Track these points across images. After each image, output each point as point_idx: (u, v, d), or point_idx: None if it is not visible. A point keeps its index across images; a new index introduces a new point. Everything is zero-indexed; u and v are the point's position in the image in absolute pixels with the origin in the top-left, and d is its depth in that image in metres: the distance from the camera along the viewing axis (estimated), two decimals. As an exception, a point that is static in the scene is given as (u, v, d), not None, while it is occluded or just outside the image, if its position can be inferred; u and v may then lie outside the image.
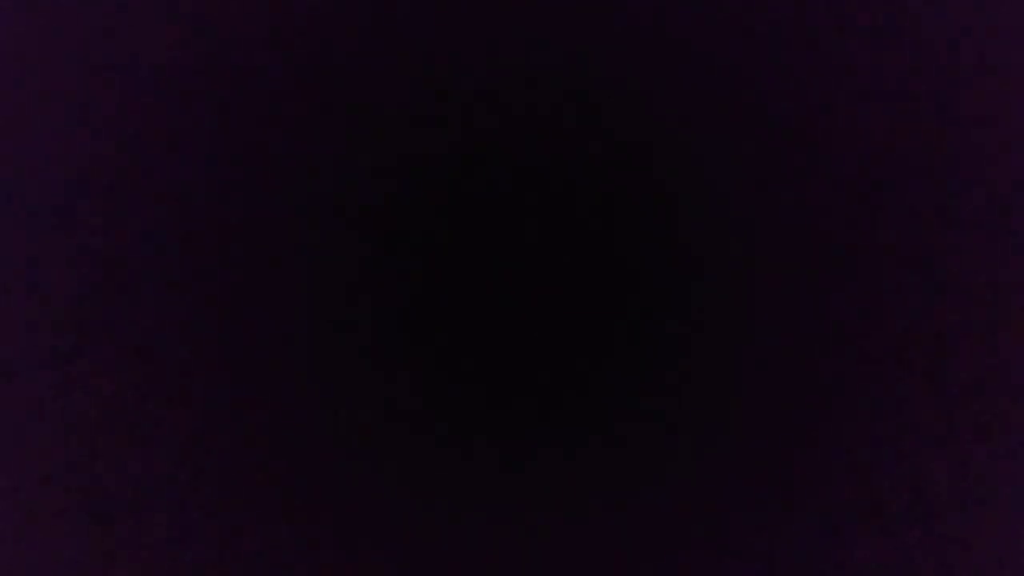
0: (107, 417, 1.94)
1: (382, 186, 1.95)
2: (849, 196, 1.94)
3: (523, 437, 1.93)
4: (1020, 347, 1.93)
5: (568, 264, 1.94)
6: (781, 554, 1.92)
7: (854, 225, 1.94)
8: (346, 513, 1.93)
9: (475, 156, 1.94)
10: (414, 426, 1.94)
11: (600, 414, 1.93)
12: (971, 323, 1.94)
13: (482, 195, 1.93)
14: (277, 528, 1.93)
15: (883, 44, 1.96)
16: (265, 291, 1.95)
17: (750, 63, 1.95)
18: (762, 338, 1.93)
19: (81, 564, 1.94)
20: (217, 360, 1.94)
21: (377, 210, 1.94)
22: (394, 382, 1.94)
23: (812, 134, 1.95)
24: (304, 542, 1.93)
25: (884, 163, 1.95)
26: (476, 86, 1.95)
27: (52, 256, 1.95)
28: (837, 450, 1.93)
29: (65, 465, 1.94)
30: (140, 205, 1.96)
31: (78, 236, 1.96)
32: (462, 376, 1.94)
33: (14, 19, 1.96)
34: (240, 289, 1.94)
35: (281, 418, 1.94)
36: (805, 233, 1.94)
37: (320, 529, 1.93)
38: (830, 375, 1.93)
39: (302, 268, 1.95)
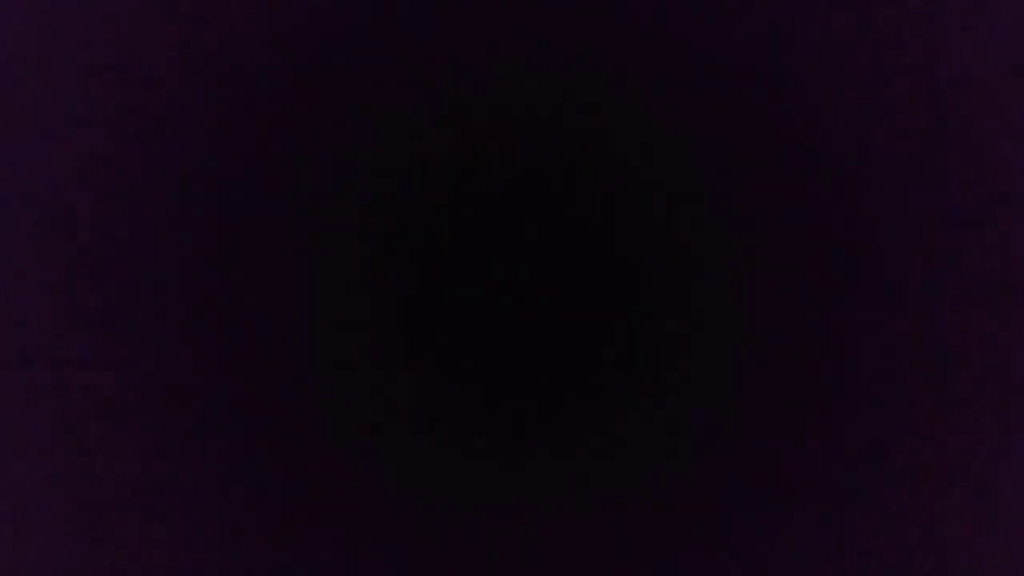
0: (107, 417, 1.94)
1: (382, 186, 1.95)
2: (849, 196, 1.94)
3: (523, 437, 1.93)
4: (1020, 347, 1.93)
5: (568, 264, 1.94)
6: (781, 554, 1.92)
7: (854, 225, 1.94)
8: (345, 513, 1.93)
9: (475, 156, 1.94)
10: (413, 426, 1.94)
11: (600, 414, 1.93)
12: (971, 323, 1.94)
13: (482, 195, 1.93)
14: (277, 528, 1.93)
15: (883, 44, 1.96)
16: (265, 291, 1.95)
17: (750, 63, 1.95)
18: (762, 338, 1.93)
19: (81, 564, 1.94)
20: (217, 360, 1.94)
21: (377, 210, 1.95)
22: (393, 382, 1.94)
23: (812, 134, 1.95)
24: (304, 542, 1.93)
25: (884, 163, 1.95)
26: (476, 86, 1.95)
27: (52, 256, 1.96)
28: (837, 450, 1.93)
29: (65, 465, 1.94)
30: (140, 205, 1.96)
31: (78, 236, 1.96)
32: (462, 376, 1.94)
33: (14, 19, 1.96)
34: (240, 289, 1.94)
35: (281, 418, 1.94)
36: (805, 233, 1.94)
37: (320, 529, 1.93)
38: (830, 375, 1.93)
39: (302, 268, 1.95)
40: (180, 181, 1.95)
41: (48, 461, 1.94)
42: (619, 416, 1.93)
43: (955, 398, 1.93)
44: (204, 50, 1.96)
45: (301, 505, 1.93)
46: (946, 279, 1.94)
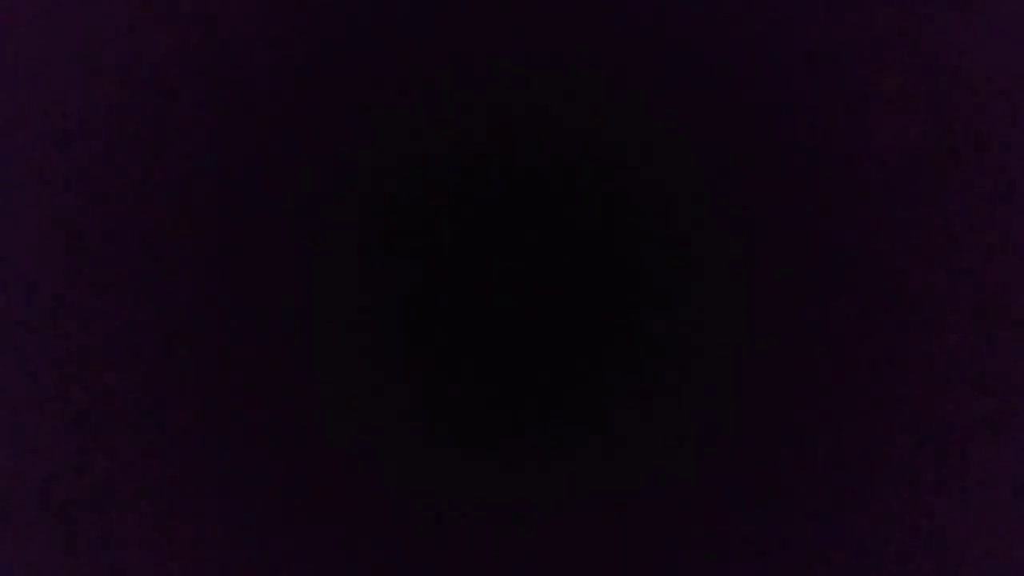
0: (107, 417, 1.94)
1: (382, 186, 1.95)
2: (849, 196, 1.95)
3: (522, 437, 1.93)
4: (1020, 347, 1.93)
5: (568, 264, 1.94)
6: (781, 554, 1.92)
7: (854, 225, 1.94)
8: (345, 513, 1.93)
9: (475, 156, 1.94)
10: (413, 425, 1.94)
11: (600, 414, 1.93)
12: (971, 323, 1.94)
13: (482, 195, 1.93)
14: (277, 528, 1.93)
15: (883, 44, 1.96)
16: (265, 291, 1.95)
17: (750, 63, 1.95)
18: (762, 338, 1.93)
19: (81, 564, 1.94)
20: (217, 360, 1.94)
21: (377, 210, 1.95)
22: (393, 381, 1.94)
23: (812, 134, 1.95)
24: (303, 542, 1.93)
25: (884, 163, 1.95)
26: (476, 86, 1.95)
27: (52, 256, 1.96)
28: (837, 450, 1.93)
29: (65, 465, 1.94)
30: (139, 205, 1.96)
31: (78, 236, 1.96)
32: (462, 376, 1.94)
33: (14, 19, 1.96)
34: (240, 289, 1.94)
35: (281, 418, 1.94)
36: (805, 233, 1.94)
37: (320, 529, 1.93)
38: (830, 375, 1.93)
39: (302, 268, 1.95)
40: (179, 181, 1.95)
41: (48, 461, 1.94)
42: (619, 416, 1.93)
43: (955, 398, 1.93)
44: (204, 50, 1.96)
45: (301, 505, 1.93)
46: (946, 279, 1.94)
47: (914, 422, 1.93)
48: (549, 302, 1.94)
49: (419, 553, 1.93)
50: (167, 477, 1.94)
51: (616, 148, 1.94)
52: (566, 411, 1.93)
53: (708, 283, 1.94)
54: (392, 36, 1.95)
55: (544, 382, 1.94)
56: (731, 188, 1.94)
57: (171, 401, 1.94)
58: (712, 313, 1.93)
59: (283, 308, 1.94)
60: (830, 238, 1.94)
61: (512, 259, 1.94)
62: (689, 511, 1.92)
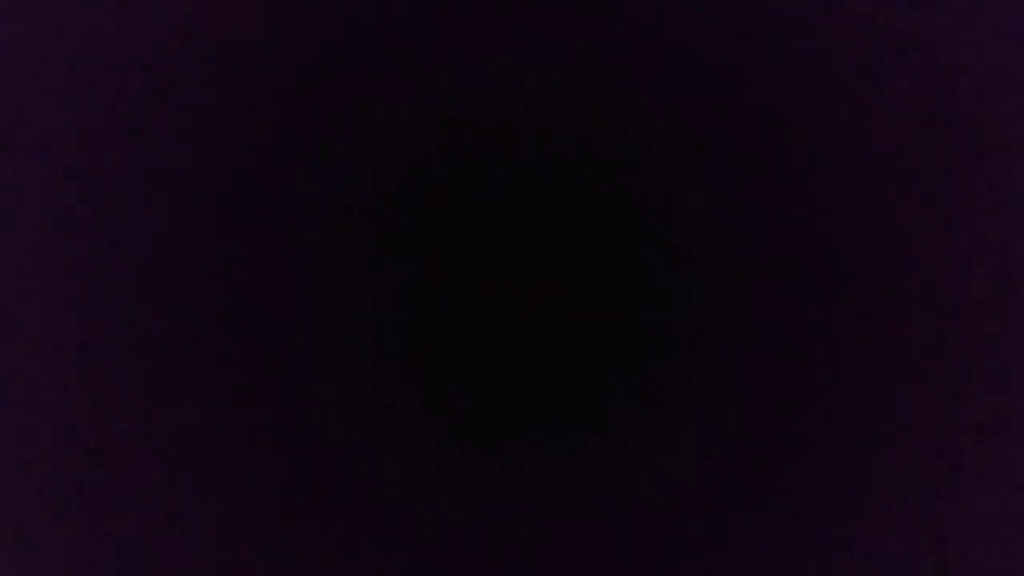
0: (107, 417, 1.94)
1: (382, 186, 1.95)
2: (850, 196, 1.94)
3: (522, 437, 1.93)
4: (1020, 347, 1.93)
5: (568, 264, 1.94)
6: (781, 554, 1.92)
7: (854, 225, 1.94)
8: (345, 513, 1.93)
9: (475, 156, 1.94)
10: (413, 426, 1.94)
11: (600, 414, 1.93)
12: (971, 323, 1.94)
13: (481, 195, 1.93)
14: (277, 528, 1.93)
15: (883, 44, 1.96)
16: (265, 291, 1.95)
17: (750, 63, 1.95)
18: (762, 338, 1.93)
19: (81, 564, 1.94)
20: (217, 360, 1.94)
21: (377, 210, 1.94)
22: (393, 382, 1.94)
23: (812, 134, 1.95)
24: (304, 542, 1.93)
25: (884, 163, 1.95)
26: (476, 86, 1.95)
27: (52, 256, 1.95)
28: (837, 450, 1.93)
29: (65, 465, 1.94)
30: (139, 205, 1.96)
31: (78, 236, 1.96)
32: (461, 376, 1.94)
33: (14, 19, 1.96)
34: (240, 289, 1.94)
35: (281, 419, 1.94)
36: (805, 233, 1.94)
37: (320, 529, 1.93)
38: (830, 375, 1.93)
39: (302, 268, 1.95)
40: (179, 180, 1.95)
41: (48, 461, 1.94)
42: (619, 416, 1.93)
43: (955, 398, 1.93)
44: (204, 50, 1.96)
45: (301, 505, 1.93)
46: (947, 279, 1.94)
47: (914, 422, 1.93)
48: (549, 302, 1.94)
49: (419, 553, 1.93)
50: (167, 477, 1.94)
51: (616, 148, 1.94)
52: (566, 411, 1.93)
53: (708, 283, 1.94)
54: (392, 36, 1.95)
55: (544, 382, 1.93)
56: (731, 188, 1.94)
57: (171, 401, 1.94)
58: (712, 313, 1.93)
59: (283, 308, 1.94)
60: (830, 238, 1.94)
61: (512, 259, 1.94)
62: (689, 511, 1.92)
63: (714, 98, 1.95)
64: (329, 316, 1.94)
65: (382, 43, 1.96)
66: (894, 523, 1.92)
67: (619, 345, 1.93)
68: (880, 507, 1.92)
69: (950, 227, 1.94)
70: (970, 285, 1.94)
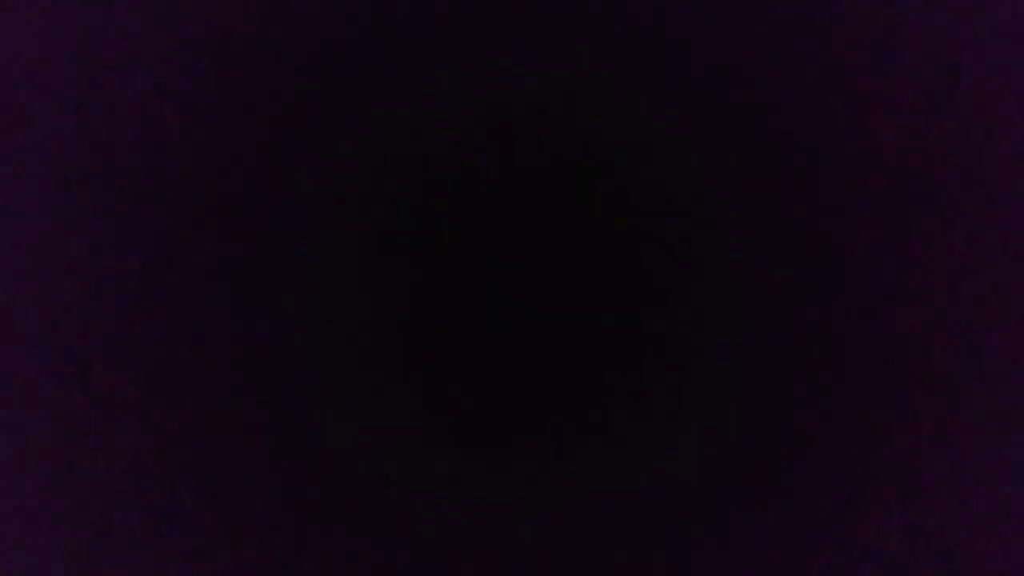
0: (107, 417, 1.94)
1: (382, 186, 1.95)
2: (850, 196, 1.94)
3: (522, 437, 1.93)
4: (1020, 347, 1.93)
5: (568, 264, 1.94)
6: (781, 554, 1.92)
7: (855, 225, 1.94)
8: (345, 513, 1.93)
9: (475, 156, 1.94)
10: (413, 426, 1.94)
11: (600, 414, 1.93)
12: (971, 323, 1.94)
13: (481, 195, 1.93)
14: (277, 528, 1.93)
15: (883, 44, 1.96)
16: (265, 291, 1.95)
17: (750, 63, 1.95)
18: (762, 338, 1.93)
19: (80, 564, 1.94)
20: (217, 360, 1.94)
21: (376, 210, 1.94)
22: (393, 382, 1.94)
23: (812, 134, 1.95)
24: (303, 543, 1.93)
25: (884, 163, 1.95)
26: (476, 86, 1.95)
27: (52, 256, 1.95)
28: (837, 450, 1.93)
29: (65, 465, 1.94)
30: (139, 205, 1.96)
31: (78, 236, 1.96)
32: (461, 376, 1.94)
33: (14, 19, 1.96)
34: (240, 289, 1.94)
35: (281, 419, 1.94)
36: (805, 233, 1.94)
37: (320, 529, 1.93)
38: (830, 375, 1.93)
39: (302, 268, 1.95)
40: (179, 180, 1.95)
41: (48, 461, 1.94)
42: (619, 416, 1.93)
43: (956, 398, 1.93)
44: (203, 50, 1.96)
45: (301, 505, 1.93)
46: (947, 279, 1.94)
47: (914, 422, 1.93)
48: (549, 302, 1.94)
49: (419, 553, 1.93)
50: (167, 477, 1.94)
51: (616, 148, 1.94)
52: (566, 411, 1.93)
53: (708, 283, 1.94)
54: (392, 36, 1.95)
55: (544, 382, 1.93)
56: (731, 188, 1.94)
57: (171, 401, 1.94)
58: (712, 313, 1.93)
59: (283, 308, 1.94)
60: (830, 238, 1.94)
61: (512, 259, 1.94)
62: (689, 511, 1.92)
63: (714, 98, 1.95)
64: (328, 316, 1.94)
65: (382, 43, 1.96)
66: (894, 523, 1.92)
67: (619, 345, 1.93)
68: (880, 507, 1.92)
69: (950, 227, 1.94)
70: (970, 285, 1.94)
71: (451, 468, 1.93)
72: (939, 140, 1.94)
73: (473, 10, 1.95)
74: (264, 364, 1.94)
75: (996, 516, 1.92)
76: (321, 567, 1.93)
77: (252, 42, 1.95)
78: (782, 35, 1.95)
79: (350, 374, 1.93)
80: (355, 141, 1.95)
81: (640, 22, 1.95)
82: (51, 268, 1.95)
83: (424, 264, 1.94)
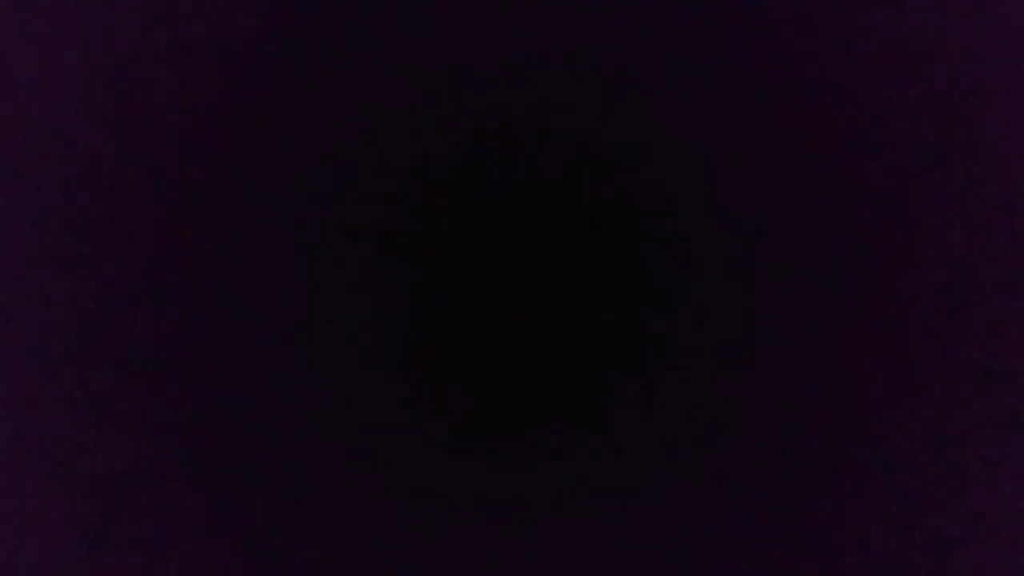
0: (106, 417, 1.94)
1: (382, 186, 1.95)
2: (850, 196, 1.94)
3: (522, 437, 1.93)
4: (1021, 347, 1.93)
5: (567, 264, 1.94)
6: (781, 554, 1.92)
7: (854, 225, 1.94)
8: (345, 513, 1.93)
9: (475, 156, 1.94)
10: (412, 426, 1.94)
11: (600, 414, 1.93)
12: (971, 323, 1.94)
13: (481, 195, 1.93)
14: (277, 528, 1.93)
15: (883, 44, 1.96)
16: (265, 291, 1.95)
17: (750, 63, 1.95)
18: (762, 338, 1.93)
19: (80, 564, 1.94)
20: (217, 361, 1.94)
21: (377, 210, 1.94)
22: (393, 382, 1.94)
23: (812, 134, 1.95)
24: (303, 543, 1.93)
25: (883, 163, 1.95)
26: (476, 86, 1.95)
27: (52, 256, 1.96)
28: (837, 450, 1.93)
29: (65, 465, 1.94)
30: (139, 205, 1.96)
31: (78, 236, 1.96)
32: (461, 376, 1.94)
33: (14, 19, 1.96)
34: (240, 289, 1.94)
35: (282, 419, 1.94)
36: (805, 233, 1.94)
37: (319, 530, 1.93)
38: (830, 375, 1.93)
39: (302, 268, 1.95)
40: (179, 180, 1.95)
41: (48, 461, 1.94)
42: (619, 416, 1.93)
43: (956, 398, 1.93)
44: (203, 50, 1.96)
45: (301, 505, 1.93)
46: (947, 279, 1.94)
47: (914, 422, 1.93)
48: (549, 301, 1.94)
49: (419, 553, 1.93)
50: (167, 477, 1.94)
51: (616, 148, 1.94)
52: (566, 411, 1.93)
53: (708, 283, 1.94)
54: (392, 36, 1.95)
55: (544, 381, 1.93)
56: (731, 188, 1.94)
57: (171, 401, 1.94)
58: (712, 313, 1.93)
59: (283, 308, 1.94)
60: (830, 238, 1.94)
61: (512, 259, 1.94)
62: (689, 511, 1.92)
63: (714, 98, 1.95)
64: (328, 316, 1.94)
65: (382, 43, 1.96)
66: (894, 523, 1.92)
67: (618, 345, 1.93)
68: (880, 507, 1.92)
69: (950, 227, 1.94)
70: (971, 285, 1.94)
71: (451, 468, 1.93)
72: (939, 140, 1.94)
73: (473, 10, 1.95)
74: (264, 364, 1.94)
75: (996, 516, 1.92)
76: (321, 567, 1.93)
77: (252, 42, 1.95)
78: (782, 35, 1.95)
79: (350, 374, 1.93)
80: (355, 141, 1.95)
81: (640, 22, 1.95)
82: (51, 268, 1.95)
83: (424, 264, 1.94)
